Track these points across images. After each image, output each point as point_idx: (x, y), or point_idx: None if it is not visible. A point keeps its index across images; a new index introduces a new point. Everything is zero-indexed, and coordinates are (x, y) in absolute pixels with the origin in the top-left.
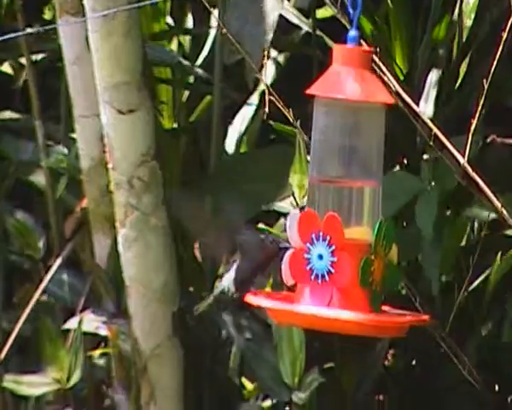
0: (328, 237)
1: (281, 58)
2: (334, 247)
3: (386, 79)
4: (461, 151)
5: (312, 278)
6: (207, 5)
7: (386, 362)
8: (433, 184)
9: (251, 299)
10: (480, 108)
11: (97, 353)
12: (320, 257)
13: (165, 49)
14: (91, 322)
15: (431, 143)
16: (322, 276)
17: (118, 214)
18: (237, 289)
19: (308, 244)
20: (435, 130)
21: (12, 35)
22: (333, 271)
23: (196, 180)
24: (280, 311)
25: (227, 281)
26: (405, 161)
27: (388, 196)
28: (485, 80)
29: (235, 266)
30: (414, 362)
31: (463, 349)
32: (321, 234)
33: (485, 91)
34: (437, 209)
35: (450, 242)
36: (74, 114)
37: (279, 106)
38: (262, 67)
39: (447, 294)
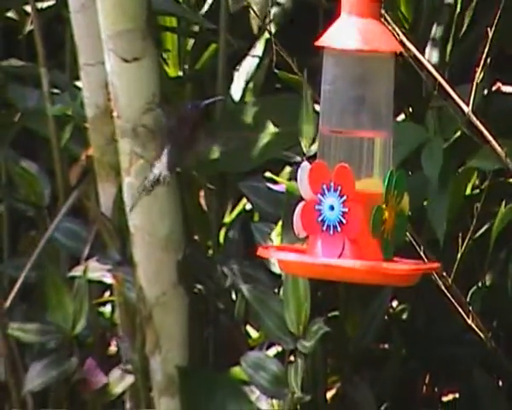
0: (339, 188)
1: (286, 5)
2: (345, 197)
3: (390, 28)
4: (465, 100)
5: (324, 229)
6: None
7: (390, 311)
8: (437, 133)
9: (263, 252)
10: (484, 56)
11: (102, 301)
12: (331, 208)
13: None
14: (96, 270)
15: (436, 93)
16: (334, 227)
17: (123, 163)
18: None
19: (319, 195)
20: (440, 79)
21: None
22: (344, 221)
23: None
24: (293, 263)
25: (159, 168)
26: (411, 110)
27: (393, 145)
28: (489, 29)
29: (165, 151)
30: (418, 311)
31: (467, 298)
32: (332, 185)
33: (489, 40)
34: (442, 158)
35: (455, 190)
36: (79, 62)
37: (283, 55)
38: (266, 15)
39: (451, 243)
